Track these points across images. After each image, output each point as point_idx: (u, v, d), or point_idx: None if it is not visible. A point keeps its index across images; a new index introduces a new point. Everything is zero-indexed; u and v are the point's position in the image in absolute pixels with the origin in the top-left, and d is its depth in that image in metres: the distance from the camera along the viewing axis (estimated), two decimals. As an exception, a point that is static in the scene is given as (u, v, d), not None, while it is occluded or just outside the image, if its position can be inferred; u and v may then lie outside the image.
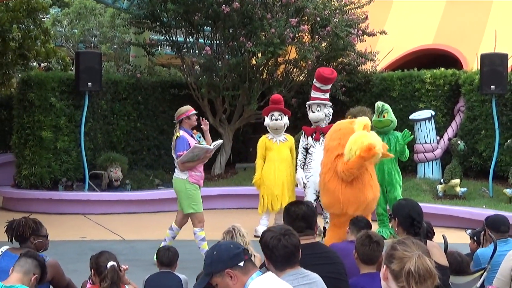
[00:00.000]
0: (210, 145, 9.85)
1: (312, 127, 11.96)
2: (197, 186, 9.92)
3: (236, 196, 15.31)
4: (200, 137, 10.04)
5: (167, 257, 6.56)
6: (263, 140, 12.26)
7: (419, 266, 3.17)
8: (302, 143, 11.90)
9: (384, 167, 11.45)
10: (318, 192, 11.83)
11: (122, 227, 13.01)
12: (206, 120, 10.14)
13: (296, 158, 12.12)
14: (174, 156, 9.98)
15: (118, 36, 23.68)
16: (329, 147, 9.07)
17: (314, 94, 12.00)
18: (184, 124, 9.86)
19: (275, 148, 12.10)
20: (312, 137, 11.85)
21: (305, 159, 11.82)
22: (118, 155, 15.50)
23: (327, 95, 12.17)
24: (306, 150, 11.85)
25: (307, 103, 12.09)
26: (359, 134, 8.66)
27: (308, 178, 11.73)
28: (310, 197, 11.75)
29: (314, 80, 12.02)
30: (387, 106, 11.80)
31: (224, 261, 3.70)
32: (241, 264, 3.69)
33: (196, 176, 9.92)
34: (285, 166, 12.09)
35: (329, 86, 12.23)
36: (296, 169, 11.89)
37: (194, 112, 9.99)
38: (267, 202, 12.05)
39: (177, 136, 9.77)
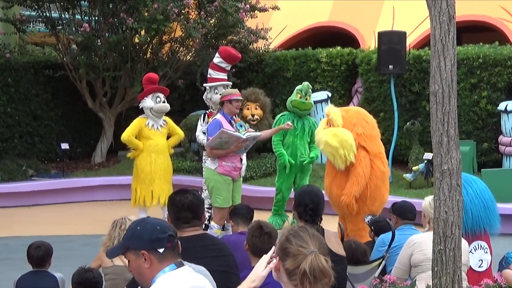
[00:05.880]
0: (243, 135, 9.76)
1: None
2: (228, 178, 9.91)
3: (119, 187, 15.10)
4: (241, 125, 10.03)
5: (38, 254, 6.38)
6: (140, 122, 11.96)
7: (314, 267, 3.24)
8: (201, 127, 11.71)
9: (297, 152, 11.45)
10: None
11: (-9, 223, 12.73)
12: None
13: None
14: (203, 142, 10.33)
15: (-15, 12, 23.01)
16: None
17: (217, 75, 11.82)
18: (224, 108, 9.94)
19: (152, 137, 11.93)
20: None
21: None
22: (-15, 144, 15.14)
23: None
24: (205, 134, 11.70)
25: (209, 84, 11.84)
26: (327, 132, 9.15)
27: None
28: None
29: (219, 60, 11.82)
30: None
31: (143, 240, 3.63)
32: (161, 250, 3.63)
33: (228, 167, 9.91)
34: (162, 159, 12.06)
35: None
36: None
37: (238, 97, 10.01)
38: (140, 197, 11.98)
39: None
